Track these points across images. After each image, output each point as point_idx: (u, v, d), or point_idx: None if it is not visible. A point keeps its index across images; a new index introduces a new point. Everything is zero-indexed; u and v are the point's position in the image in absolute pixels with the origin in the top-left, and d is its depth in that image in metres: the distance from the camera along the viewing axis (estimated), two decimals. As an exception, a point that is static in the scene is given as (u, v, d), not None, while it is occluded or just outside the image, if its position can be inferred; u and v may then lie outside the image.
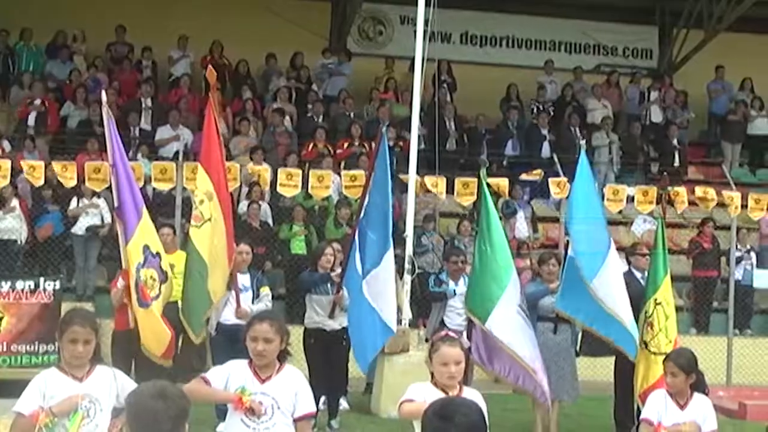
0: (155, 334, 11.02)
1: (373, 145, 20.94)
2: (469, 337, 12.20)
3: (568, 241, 12.61)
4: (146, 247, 10.92)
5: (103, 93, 11.86)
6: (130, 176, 11.34)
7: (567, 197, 16.07)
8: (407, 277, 14.77)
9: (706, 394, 8.48)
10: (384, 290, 12.86)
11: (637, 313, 12.26)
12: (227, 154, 19.46)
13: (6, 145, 20.37)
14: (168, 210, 17.24)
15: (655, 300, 12.11)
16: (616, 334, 12.08)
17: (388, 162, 13.54)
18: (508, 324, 11.85)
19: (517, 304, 11.96)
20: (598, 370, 14.47)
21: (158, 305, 11.08)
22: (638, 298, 12.44)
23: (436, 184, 18.00)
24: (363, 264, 12.93)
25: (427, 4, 15.14)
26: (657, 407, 8.26)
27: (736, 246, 20.02)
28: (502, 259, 12.12)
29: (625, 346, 12.10)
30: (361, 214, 13.39)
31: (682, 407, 8.20)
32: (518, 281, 12.22)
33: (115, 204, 11.23)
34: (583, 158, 12.83)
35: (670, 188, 17.75)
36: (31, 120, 21.93)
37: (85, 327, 6.56)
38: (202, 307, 11.88)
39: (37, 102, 22.06)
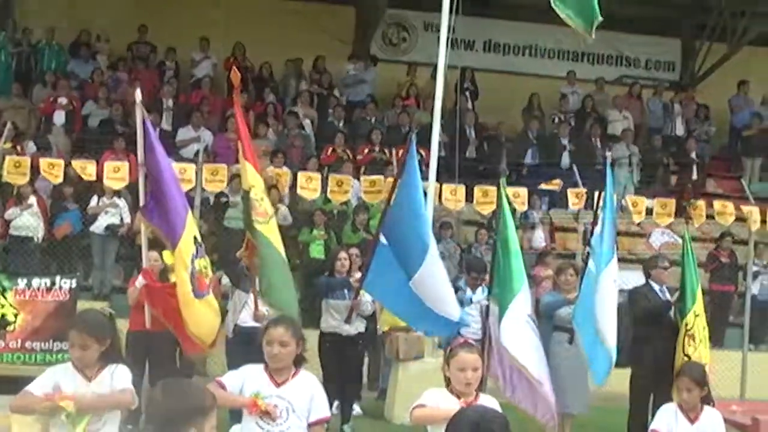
0: (209, 324, 10.75)
1: (394, 151, 21.00)
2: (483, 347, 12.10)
3: (588, 253, 12.47)
4: (195, 238, 10.76)
5: (138, 92, 11.60)
6: (173, 172, 11.15)
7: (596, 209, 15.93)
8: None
9: (713, 407, 8.42)
10: (433, 289, 12.41)
11: (656, 326, 12.26)
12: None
13: (32, 146, 20.36)
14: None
15: (695, 312, 12.02)
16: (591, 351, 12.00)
17: (417, 167, 13.26)
18: (514, 333, 11.73)
19: (527, 313, 11.87)
20: (613, 381, 14.38)
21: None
22: (658, 311, 12.42)
23: (455, 191, 17.94)
24: (406, 269, 12.37)
25: (451, 11, 15.09)
26: (667, 420, 8.17)
27: (754, 261, 19.99)
28: (515, 269, 12.02)
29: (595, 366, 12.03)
30: (386, 220, 12.50)
31: (692, 421, 8.11)
32: (530, 291, 12.14)
33: (141, 202, 11.11)
34: (608, 170, 12.78)
35: (693, 201, 17.68)
36: (60, 119, 21.95)
37: (82, 333, 6.52)
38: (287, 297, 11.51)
39: (64, 101, 22.07)
